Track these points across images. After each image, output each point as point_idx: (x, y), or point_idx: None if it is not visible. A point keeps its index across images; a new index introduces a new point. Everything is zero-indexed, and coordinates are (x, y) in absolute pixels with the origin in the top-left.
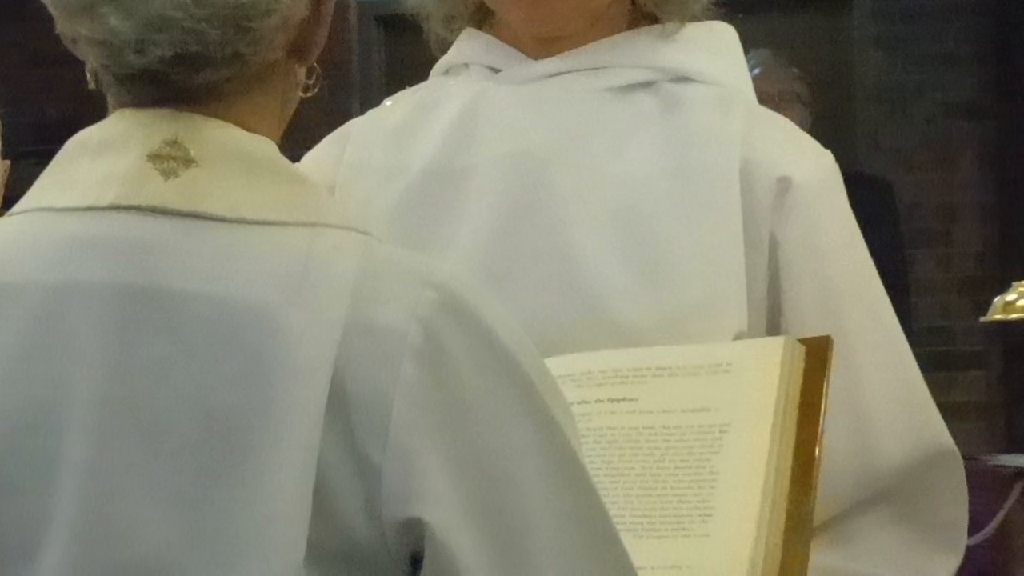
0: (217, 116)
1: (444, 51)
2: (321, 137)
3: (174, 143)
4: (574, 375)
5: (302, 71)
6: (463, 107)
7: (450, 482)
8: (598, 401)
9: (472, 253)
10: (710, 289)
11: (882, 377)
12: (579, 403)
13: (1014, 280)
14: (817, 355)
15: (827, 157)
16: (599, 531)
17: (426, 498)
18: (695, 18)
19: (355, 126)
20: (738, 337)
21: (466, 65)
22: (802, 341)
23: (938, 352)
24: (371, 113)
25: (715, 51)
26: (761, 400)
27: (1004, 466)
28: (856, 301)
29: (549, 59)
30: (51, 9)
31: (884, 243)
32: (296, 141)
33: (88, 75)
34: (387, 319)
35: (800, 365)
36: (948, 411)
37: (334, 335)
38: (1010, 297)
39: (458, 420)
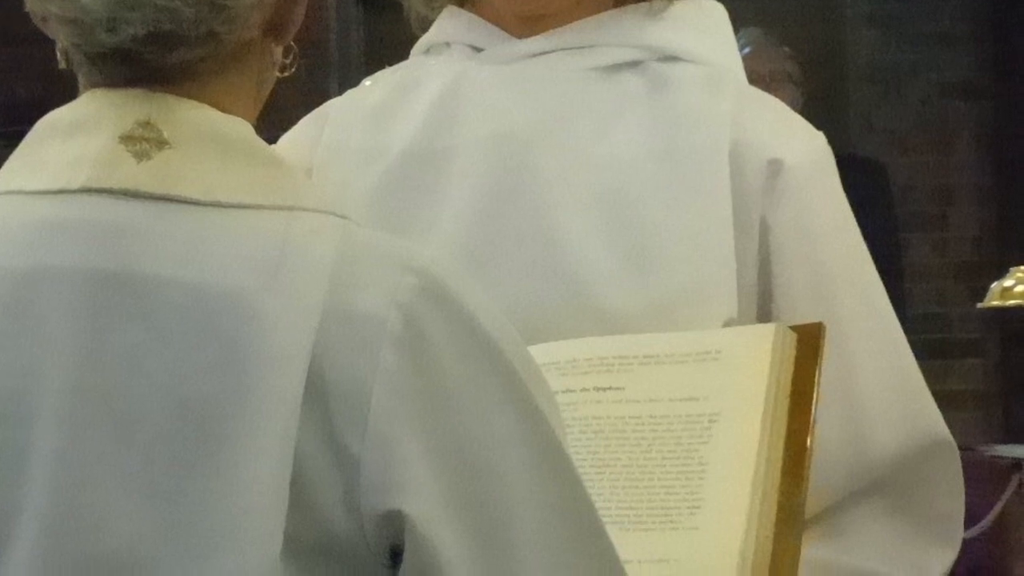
0: (191, 97)
1: (425, 30)
2: (298, 118)
3: (147, 124)
4: (558, 363)
5: (279, 50)
6: (444, 87)
7: (431, 473)
8: (583, 390)
9: (453, 237)
10: (698, 274)
11: (876, 365)
12: (564, 392)
13: (1012, 265)
14: (809, 342)
15: (819, 139)
16: (584, 523)
17: (406, 489)
18: None
19: (333, 107)
20: (727, 324)
21: (447, 44)
22: (793, 328)
23: (933, 339)
24: (350, 93)
25: (704, 30)
26: (751, 389)
27: (1001, 457)
28: (849, 287)
29: (533, 38)
30: None
31: (878, 227)
32: (272, 122)
33: (58, 54)
34: (366, 305)
35: (791, 353)
36: (944, 400)
37: (311, 322)
38: (1008, 283)
39: (439, 409)
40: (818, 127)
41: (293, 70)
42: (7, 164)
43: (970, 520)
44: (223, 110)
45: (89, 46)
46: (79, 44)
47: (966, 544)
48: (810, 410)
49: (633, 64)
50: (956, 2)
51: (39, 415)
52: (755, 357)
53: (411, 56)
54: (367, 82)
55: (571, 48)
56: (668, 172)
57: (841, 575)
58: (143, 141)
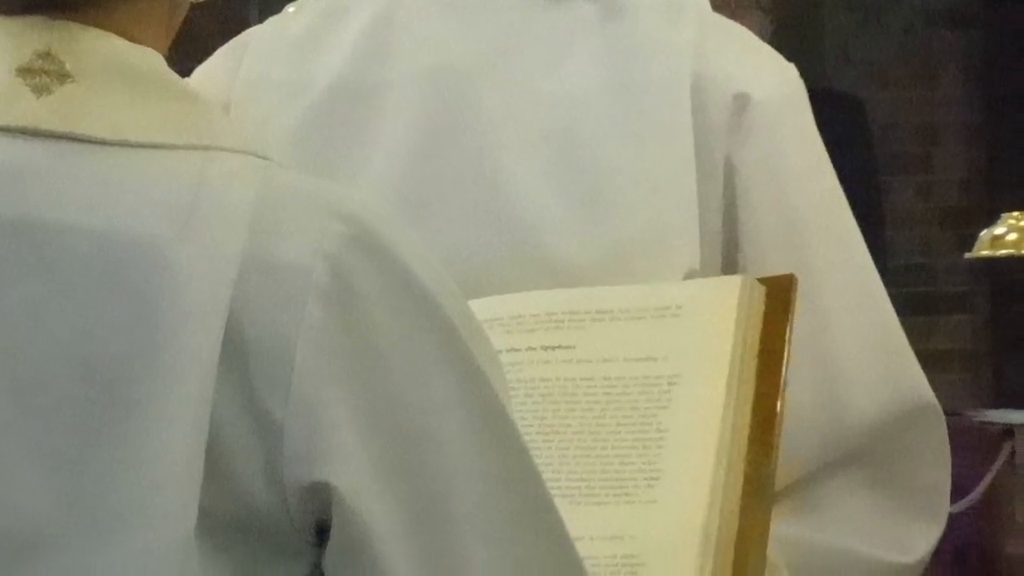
0: (96, 24)
1: None
2: (215, 48)
3: (47, 55)
4: (502, 319)
5: None
6: (376, 14)
7: (361, 440)
8: (530, 349)
9: (386, 180)
10: (657, 221)
11: (853, 321)
12: (508, 351)
13: (1003, 211)
14: (779, 296)
15: (790, 71)
16: (530, 496)
17: (334, 458)
18: None
19: (253, 36)
20: (689, 276)
21: None
22: (761, 280)
23: (917, 293)
24: (271, 21)
25: None
26: (715, 348)
27: (992, 423)
28: (823, 234)
29: None
30: None
31: (855, 169)
32: (186, 53)
33: None
34: (289, 255)
35: (759, 308)
36: (928, 360)
37: (229, 273)
38: (998, 230)
39: (370, 370)
40: (789, 58)
41: None
42: None
43: (957, 493)
44: (132, 39)
45: None
46: None
47: (953, 519)
48: (780, 371)
49: None
50: None
51: None
52: (719, 312)
53: None
54: (290, 8)
55: None
56: (623, 108)
57: (815, 553)
58: (43, 74)
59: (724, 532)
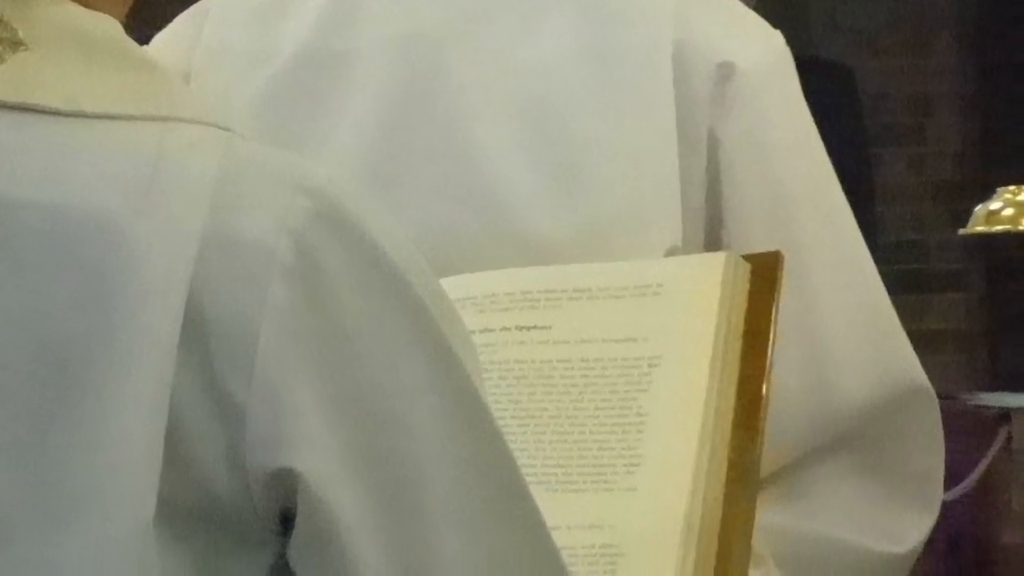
0: None
1: None
2: (175, 15)
3: None
4: (475, 298)
5: None
6: None
7: (327, 425)
8: (504, 329)
9: (354, 152)
10: (637, 196)
11: (842, 300)
12: (481, 331)
13: (998, 185)
14: (765, 274)
15: (776, 39)
16: (504, 483)
17: (299, 444)
18: None
19: (215, 2)
20: (670, 253)
21: None
22: (746, 258)
23: (909, 270)
24: None
25: None
26: (698, 328)
27: (987, 406)
28: (811, 209)
29: None
30: None
31: (844, 141)
32: (145, 20)
33: None
34: (252, 231)
35: (744, 286)
36: (921, 341)
37: (189, 250)
38: (994, 205)
39: (337, 351)
40: (775, 25)
41: None
42: None
43: (951, 479)
44: (87, 5)
45: None
46: None
47: (947, 507)
48: (766, 353)
49: None
50: None
51: None
52: (702, 291)
53: None
54: None
55: None
56: (601, 78)
57: (802, 543)
58: None
59: (707, 521)
